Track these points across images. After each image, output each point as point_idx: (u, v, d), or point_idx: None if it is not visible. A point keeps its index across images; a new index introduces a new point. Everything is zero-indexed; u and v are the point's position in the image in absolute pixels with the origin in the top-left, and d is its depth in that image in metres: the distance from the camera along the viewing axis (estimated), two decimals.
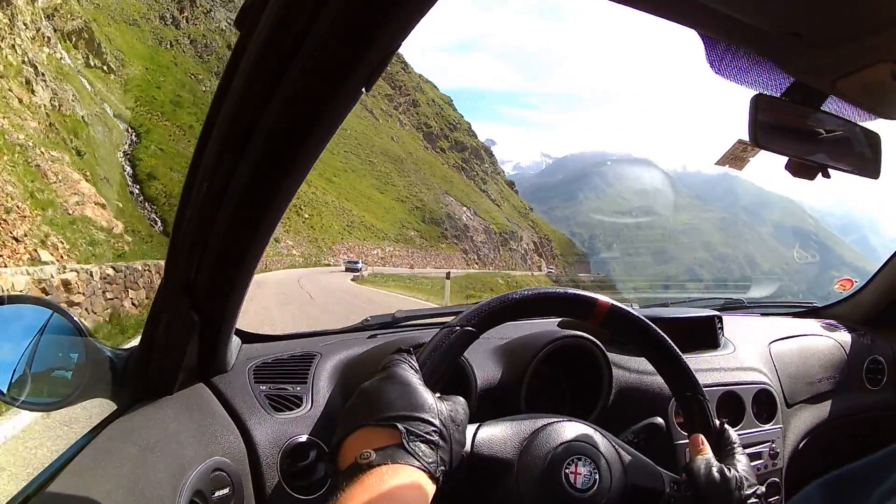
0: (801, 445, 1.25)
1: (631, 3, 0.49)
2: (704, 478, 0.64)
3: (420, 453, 0.51)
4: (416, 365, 0.61)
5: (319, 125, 0.53)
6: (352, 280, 30.19)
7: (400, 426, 0.52)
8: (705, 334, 1.26)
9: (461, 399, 0.61)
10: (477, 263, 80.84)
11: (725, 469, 0.66)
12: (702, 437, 0.70)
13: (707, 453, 0.68)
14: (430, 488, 0.50)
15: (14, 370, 0.69)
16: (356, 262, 42.56)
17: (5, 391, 0.68)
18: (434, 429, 0.54)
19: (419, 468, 0.50)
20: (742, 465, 0.68)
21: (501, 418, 0.67)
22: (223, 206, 0.60)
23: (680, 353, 0.73)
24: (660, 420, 0.79)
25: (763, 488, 0.66)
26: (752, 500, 0.64)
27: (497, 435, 0.64)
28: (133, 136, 35.13)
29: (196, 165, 0.59)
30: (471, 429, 0.63)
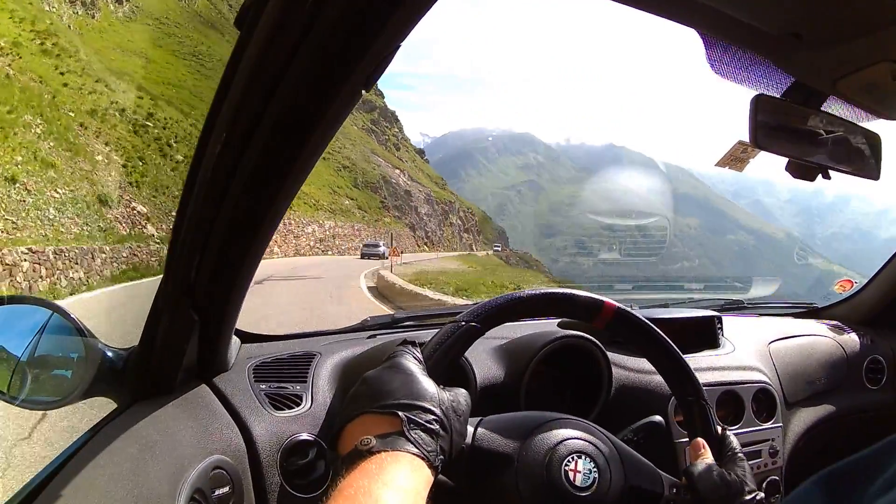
0: (801, 444, 1.25)
1: (632, 3, 0.49)
2: (705, 482, 0.64)
3: (420, 441, 0.51)
4: (420, 356, 0.61)
5: (319, 126, 0.53)
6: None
7: (401, 414, 0.53)
8: (705, 334, 1.26)
9: (463, 391, 0.61)
10: (426, 244, 63.34)
11: (725, 473, 0.66)
12: (703, 441, 0.70)
13: (708, 458, 0.68)
14: (429, 476, 0.50)
15: (14, 370, 0.69)
16: (377, 246, 31.73)
17: (6, 391, 0.68)
18: (435, 417, 0.54)
19: (418, 456, 0.50)
20: (742, 470, 0.68)
21: (503, 414, 0.68)
22: (223, 206, 0.60)
23: (682, 356, 0.74)
24: (659, 418, 0.79)
25: (762, 494, 0.66)
26: None
27: (498, 429, 0.64)
28: None
29: (196, 165, 0.59)
30: (472, 422, 0.64)
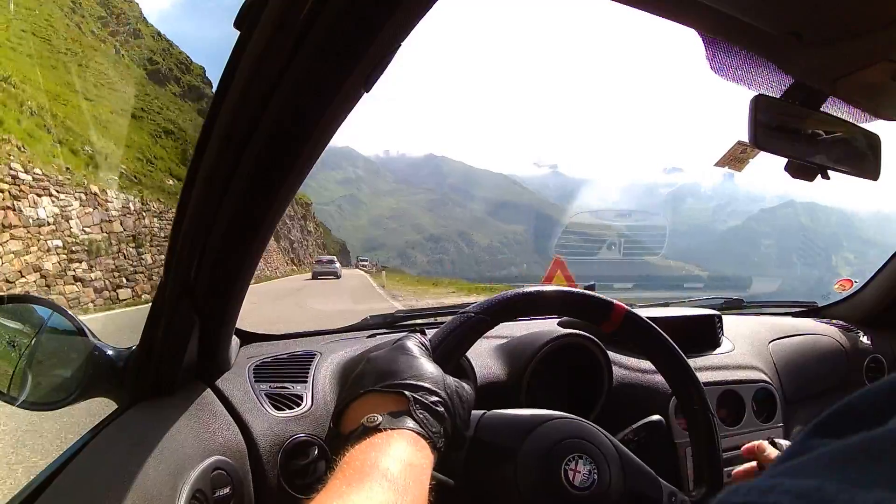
0: None
1: (631, 3, 0.49)
2: None
3: (425, 422, 0.52)
4: (427, 343, 0.62)
5: (319, 126, 0.53)
6: None
7: (407, 393, 0.53)
8: (705, 333, 1.26)
9: (469, 382, 0.62)
10: (295, 262, 46.54)
11: None
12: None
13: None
14: (432, 458, 0.51)
15: (14, 370, 0.69)
16: (332, 262, 27.94)
17: (5, 391, 0.68)
18: (440, 399, 0.54)
19: (423, 436, 0.50)
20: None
21: (507, 409, 0.68)
22: (223, 206, 0.60)
23: (691, 366, 0.74)
24: (659, 418, 0.79)
25: None
26: None
27: (502, 422, 0.64)
28: None
29: (196, 165, 0.59)
30: (476, 414, 0.64)
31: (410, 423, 0.51)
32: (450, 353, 0.63)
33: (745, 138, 0.59)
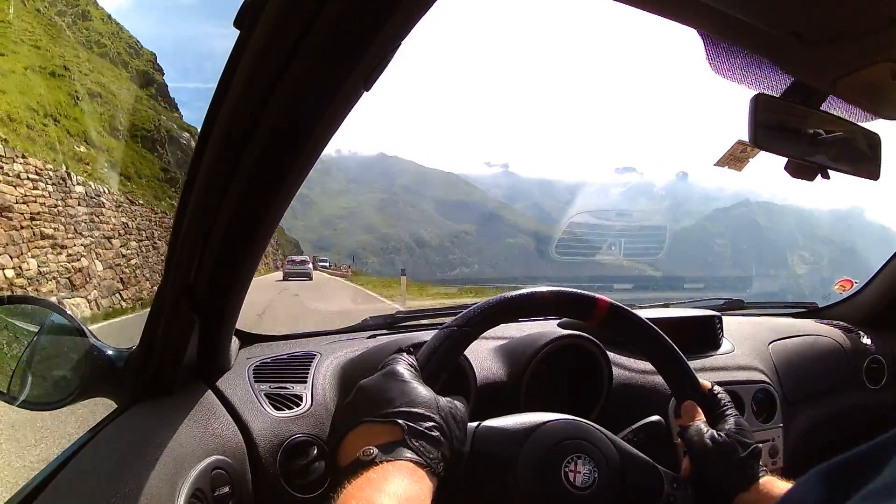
0: (801, 444, 1.25)
1: (631, 3, 0.49)
2: (697, 447, 0.67)
3: (422, 450, 0.51)
4: (415, 363, 0.62)
5: (319, 125, 0.53)
6: None
7: (401, 422, 0.52)
8: (705, 334, 1.26)
9: (461, 398, 0.62)
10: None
11: (716, 435, 0.67)
12: (694, 403, 0.72)
13: (700, 419, 0.70)
14: (432, 484, 0.50)
15: (14, 370, 0.69)
16: (304, 262, 26.96)
17: (5, 390, 0.68)
18: (435, 424, 0.54)
19: (421, 464, 0.50)
20: (732, 427, 0.69)
21: (501, 416, 0.68)
22: (223, 206, 0.60)
23: (680, 352, 0.74)
24: (659, 418, 0.79)
25: (759, 446, 0.68)
26: (750, 461, 0.66)
27: (497, 432, 0.64)
28: None
29: (196, 165, 0.59)
30: (471, 426, 0.64)
31: (407, 452, 0.50)
32: (438, 370, 0.63)
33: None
